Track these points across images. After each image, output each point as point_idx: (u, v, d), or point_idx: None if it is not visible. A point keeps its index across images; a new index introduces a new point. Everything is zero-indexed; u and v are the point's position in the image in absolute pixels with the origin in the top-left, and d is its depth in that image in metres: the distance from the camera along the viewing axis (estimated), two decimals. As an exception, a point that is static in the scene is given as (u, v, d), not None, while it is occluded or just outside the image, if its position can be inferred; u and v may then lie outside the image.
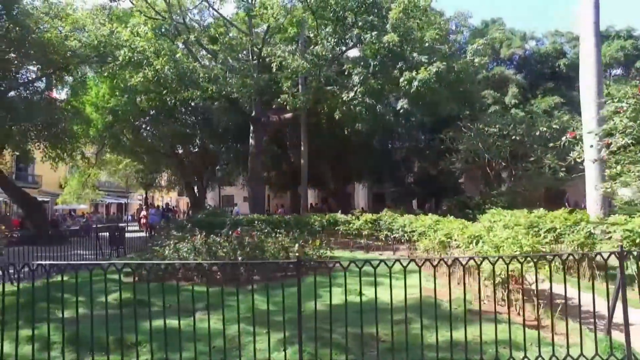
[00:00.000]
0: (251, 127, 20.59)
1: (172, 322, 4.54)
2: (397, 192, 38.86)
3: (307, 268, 6.64)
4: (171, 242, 8.74)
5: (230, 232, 8.74)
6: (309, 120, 20.33)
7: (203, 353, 4.16)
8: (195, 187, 28.85)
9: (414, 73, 11.42)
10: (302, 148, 17.83)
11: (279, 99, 16.10)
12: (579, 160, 11.74)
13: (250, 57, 17.32)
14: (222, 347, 4.21)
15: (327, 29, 14.05)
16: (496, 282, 4.68)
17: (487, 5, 68.22)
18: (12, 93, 17.19)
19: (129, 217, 40.79)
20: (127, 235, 15.22)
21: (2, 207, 30.93)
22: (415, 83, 11.13)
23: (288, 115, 20.83)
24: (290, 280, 6.61)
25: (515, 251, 4.83)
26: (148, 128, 26.54)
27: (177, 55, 12.48)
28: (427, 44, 12.48)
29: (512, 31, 25.82)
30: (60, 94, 20.78)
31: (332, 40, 12.21)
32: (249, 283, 6.51)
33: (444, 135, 18.22)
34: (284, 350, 4.03)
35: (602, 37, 15.18)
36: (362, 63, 12.11)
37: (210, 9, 19.95)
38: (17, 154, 21.12)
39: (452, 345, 4.04)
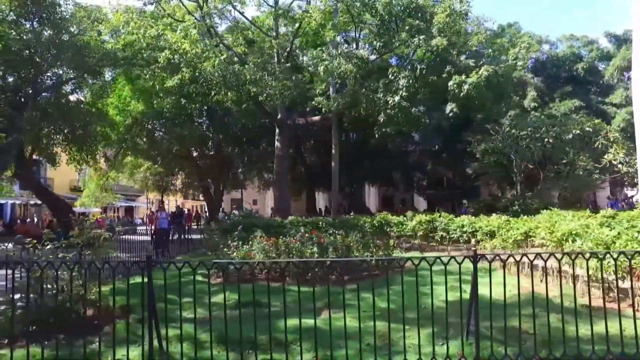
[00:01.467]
0: (276, 130, 20.68)
1: (293, 322, 4.64)
2: (409, 195, 39.24)
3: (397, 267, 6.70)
4: (239, 243, 8.82)
5: (299, 234, 8.81)
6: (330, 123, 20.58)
7: (351, 348, 4.22)
8: (212, 190, 28.84)
9: (463, 77, 11.61)
10: (334, 151, 17.94)
11: (312, 102, 16.20)
12: (614, 162, 11.93)
13: (276, 59, 17.44)
14: (366, 344, 4.33)
15: (364, 32, 14.23)
16: (617, 277, 4.80)
17: (498, 10, 69.03)
18: (42, 95, 17.17)
19: (139, 221, 40.55)
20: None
21: (18, 210, 30.68)
22: (466, 86, 11.32)
23: (316, 118, 20.97)
24: (380, 279, 6.68)
25: (635, 247, 4.98)
26: (162, 131, 26.53)
27: (223, 57, 12.55)
28: (474, 48, 12.67)
29: (527, 35, 26.19)
30: (85, 96, 20.74)
31: (378, 43, 12.37)
32: (339, 283, 6.56)
33: (471, 138, 18.42)
34: (445, 344, 4.10)
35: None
36: (408, 67, 12.29)
37: (235, 12, 20.10)
38: (40, 158, 21.05)
39: (592, 338, 4.15)
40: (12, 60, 13.75)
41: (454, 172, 30.03)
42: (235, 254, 8.96)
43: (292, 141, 27.60)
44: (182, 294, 4.97)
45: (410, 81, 12.04)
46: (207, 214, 30.97)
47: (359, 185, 30.07)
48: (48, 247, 5.81)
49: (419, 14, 12.48)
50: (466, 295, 4.46)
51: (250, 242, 9.59)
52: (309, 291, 5.83)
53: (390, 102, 12.71)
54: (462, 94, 11.49)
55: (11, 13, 10.38)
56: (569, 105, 21.81)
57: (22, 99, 15.61)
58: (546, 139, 15.47)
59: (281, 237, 8.60)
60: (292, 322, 4.66)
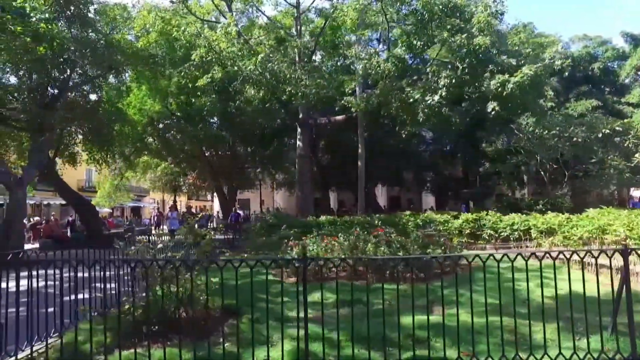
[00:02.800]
0: (298, 130, 20.64)
1: (406, 319, 4.63)
2: (416, 195, 39.27)
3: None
4: (305, 241, 8.79)
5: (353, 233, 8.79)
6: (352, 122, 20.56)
7: (483, 343, 4.20)
8: (225, 190, 28.68)
9: (506, 75, 11.67)
10: (360, 150, 17.94)
11: (341, 101, 16.18)
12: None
13: (298, 59, 17.40)
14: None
15: (396, 31, 14.24)
16: None
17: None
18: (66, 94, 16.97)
19: (146, 221, 40.23)
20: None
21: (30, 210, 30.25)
22: (510, 85, 11.37)
23: (339, 117, 20.96)
24: (448, 276, 6.62)
25: None
26: (175, 130, 26.32)
27: (261, 56, 12.47)
28: (516, 47, 12.73)
29: (542, 35, 26.36)
30: (104, 96, 20.54)
31: (418, 42, 12.38)
32: (417, 280, 6.52)
33: (495, 137, 18.52)
34: (583, 339, 4.10)
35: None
36: (449, 66, 12.31)
37: (257, 11, 20.03)
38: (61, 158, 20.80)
39: None
40: (45, 59, 13.62)
41: (466, 172, 30.13)
42: (295, 252, 8.95)
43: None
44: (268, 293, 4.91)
45: (453, 80, 12.07)
46: (220, 213, 30.81)
47: (372, 185, 30.05)
48: (159, 246, 5.71)
49: (457, 13, 12.52)
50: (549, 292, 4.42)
51: (304, 241, 9.60)
52: (402, 289, 5.80)
53: (429, 102, 12.72)
54: (505, 92, 11.55)
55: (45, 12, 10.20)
56: (586, 105, 21.97)
57: (49, 98, 15.40)
58: (574, 138, 15.56)
59: (340, 235, 8.56)
60: (405, 319, 4.66)
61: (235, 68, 12.72)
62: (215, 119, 26.57)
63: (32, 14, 8.39)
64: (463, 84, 12.46)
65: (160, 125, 24.80)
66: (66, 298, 4.57)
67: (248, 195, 40.83)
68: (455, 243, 9.10)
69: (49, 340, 4.53)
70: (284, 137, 27.59)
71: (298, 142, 20.43)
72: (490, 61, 12.17)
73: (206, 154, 27.76)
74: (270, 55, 12.91)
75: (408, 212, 13.92)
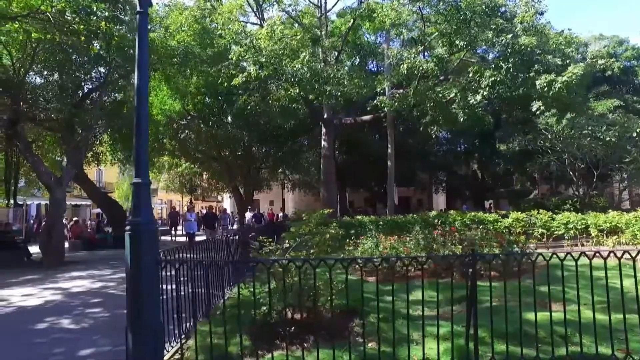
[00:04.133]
0: (323, 130, 20.61)
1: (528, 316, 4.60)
2: (425, 195, 39.31)
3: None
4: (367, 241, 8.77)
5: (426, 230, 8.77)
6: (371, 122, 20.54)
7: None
8: (242, 191, 28.56)
9: (553, 75, 11.70)
10: (389, 150, 17.95)
11: (375, 101, 16.16)
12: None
13: (321, 58, 17.34)
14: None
15: (430, 31, 14.26)
16: None
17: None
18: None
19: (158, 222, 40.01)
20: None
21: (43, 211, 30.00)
22: (558, 85, 11.40)
23: (366, 117, 20.95)
24: (525, 274, 6.56)
25: None
26: (188, 131, 26.18)
27: (305, 55, 12.44)
28: (562, 47, 12.77)
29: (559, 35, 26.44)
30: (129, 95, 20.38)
31: (461, 42, 12.39)
32: (495, 278, 6.49)
33: (521, 137, 18.58)
34: None
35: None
36: (492, 65, 12.33)
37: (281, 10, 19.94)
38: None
39: None
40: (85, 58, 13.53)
41: (482, 172, 30.29)
42: (360, 250, 8.95)
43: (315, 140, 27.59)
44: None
45: (497, 79, 12.08)
46: (235, 214, 30.70)
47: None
48: (285, 245, 5.66)
49: (499, 13, 12.56)
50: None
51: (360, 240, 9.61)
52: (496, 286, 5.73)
53: (471, 101, 12.73)
54: (551, 92, 11.57)
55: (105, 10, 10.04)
56: (607, 104, 22.02)
57: (79, 98, 15.25)
58: (607, 138, 15.62)
59: (405, 233, 8.54)
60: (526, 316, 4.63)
61: (276, 67, 12.66)
62: (229, 118, 26.47)
63: (98, 12, 8.30)
64: (509, 84, 12.45)
65: (175, 125, 24.69)
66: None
67: (257, 196, 40.77)
68: (521, 241, 9.09)
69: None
70: (300, 137, 27.55)
71: (323, 142, 20.41)
72: (536, 61, 12.19)
73: (222, 154, 27.68)
74: (313, 55, 12.86)
75: (453, 212, 13.92)
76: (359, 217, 15.12)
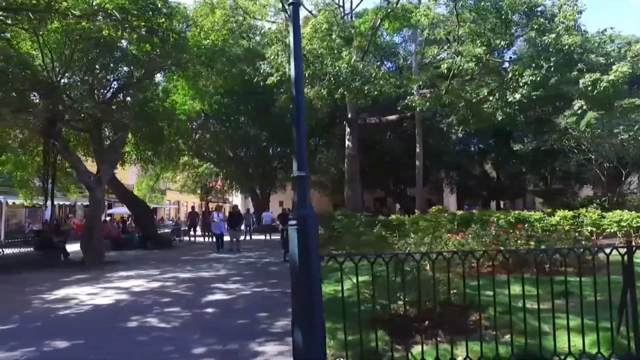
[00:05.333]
0: (347, 129, 20.64)
1: None
2: (435, 195, 39.38)
3: None
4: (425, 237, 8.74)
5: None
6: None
7: None
8: (258, 191, 28.61)
9: (597, 74, 11.76)
10: (417, 150, 17.99)
11: (405, 101, 16.18)
12: None
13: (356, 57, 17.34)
14: None
15: (464, 31, 14.29)
16: None
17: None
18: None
19: (169, 222, 39.87)
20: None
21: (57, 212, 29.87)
22: (604, 84, 11.46)
23: (392, 117, 20.98)
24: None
25: None
26: (200, 131, 26.15)
27: (345, 54, 12.45)
28: (607, 46, 12.84)
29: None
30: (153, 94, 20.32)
31: (502, 42, 12.43)
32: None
33: (547, 137, 18.65)
34: None
35: None
36: (532, 65, 12.38)
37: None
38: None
39: None
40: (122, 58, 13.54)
41: (498, 171, 30.34)
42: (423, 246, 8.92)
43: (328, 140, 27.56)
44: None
45: (538, 79, 12.14)
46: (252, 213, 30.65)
47: (406, 185, 30.15)
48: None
49: (539, 12, 12.61)
50: None
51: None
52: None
53: (509, 99, 12.78)
54: (596, 91, 11.62)
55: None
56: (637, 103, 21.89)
57: (106, 96, 15.17)
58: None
59: (475, 231, 8.54)
60: None
61: (319, 66, 12.67)
62: (243, 118, 26.46)
63: (162, 9, 8.28)
64: (549, 83, 12.50)
65: (193, 126, 24.68)
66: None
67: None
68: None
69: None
70: (315, 137, 27.58)
71: (347, 142, 20.44)
72: (578, 60, 12.25)
73: (239, 154, 27.70)
74: (354, 55, 12.88)
75: (488, 211, 13.95)
76: (393, 216, 15.15)
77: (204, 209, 29.58)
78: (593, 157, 17.79)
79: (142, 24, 8.08)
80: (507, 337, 4.37)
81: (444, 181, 32.42)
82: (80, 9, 7.33)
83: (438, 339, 4.32)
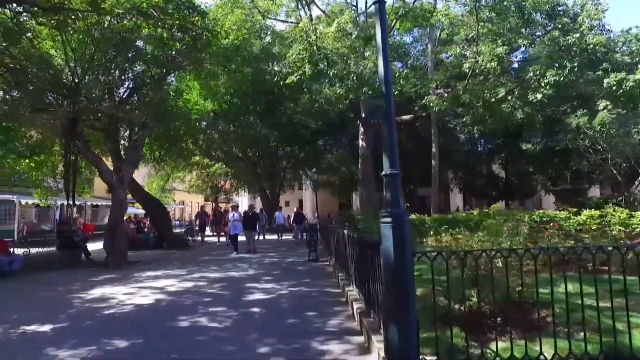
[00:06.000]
0: (360, 130, 20.66)
1: None
2: (443, 194, 39.41)
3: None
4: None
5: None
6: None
7: None
8: (268, 191, 28.57)
9: (623, 73, 11.78)
10: (433, 149, 18.01)
11: (422, 101, 16.19)
12: None
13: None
14: None
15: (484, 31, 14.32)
16: None
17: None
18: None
19: (175, 222, 39.79)
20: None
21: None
22: (629, 83, 11.48)
23: (406, 117, 21.00)
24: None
25: None
26: (209, 131, 26.09)
27: (367, 54, 12.46)
28: (634, 46, 12.87)
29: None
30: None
31: (525, 42, 12.44)
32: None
33: (562, 137, 18.69)
34: None
35: None
36: (555, 64, 12.39)
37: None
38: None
39: None
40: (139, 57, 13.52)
41: (507, 171, 30.41)
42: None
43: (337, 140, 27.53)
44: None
45: (561, 79, 12.16)
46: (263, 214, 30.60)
47: (415, 185, 30.19)
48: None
49: (561, 12, 12.64)
50: None
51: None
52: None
53: (531, 99, 12.81)
54: (621, 91, 11.65)
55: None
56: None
57: (122, 96, 15.11)
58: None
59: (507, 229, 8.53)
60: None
61: (342, 65, 12.66)
62: (252, 118, 26.40)
63: (198, 7, 8.26)
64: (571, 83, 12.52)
65: (203, 126, 24.63)
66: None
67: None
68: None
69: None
70: (324, 137, 27.60)
71: (361, 142, 20.46)
72: (603, 59, 12.28)
73: (248, 154, 27.68)
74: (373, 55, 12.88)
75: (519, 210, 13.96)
76: (413, 216, 15.14)
77: (214, 209, 29.39)
78: (609, 156, 17.84)
79: (177, 22, 8.06)
80: (580, 334, 4.38)
81: (452, 181, 32.46)
82: (123, 7, 7.30)
83: (509, 335, 4.34)
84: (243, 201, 38.34)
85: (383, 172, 3.80)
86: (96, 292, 8.43)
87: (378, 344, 4.27)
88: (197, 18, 8.33)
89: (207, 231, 23.97)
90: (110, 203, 14.83)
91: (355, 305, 5.97)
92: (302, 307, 6.90)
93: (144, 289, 8.69)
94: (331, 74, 12.83)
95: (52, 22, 9.03)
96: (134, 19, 7.57)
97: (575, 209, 11.99)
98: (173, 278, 10.03)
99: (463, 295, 4.21)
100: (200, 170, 27.86)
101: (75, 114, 12.46)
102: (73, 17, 7.31)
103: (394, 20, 17.48)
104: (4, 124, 12.39)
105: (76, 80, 12.73)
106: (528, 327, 4.45)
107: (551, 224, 8.94)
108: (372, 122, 20.48)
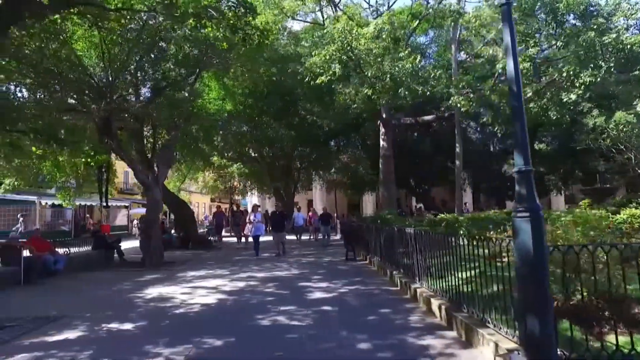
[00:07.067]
0: (381, 130, 20.71)
1: None
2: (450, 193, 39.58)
3: None
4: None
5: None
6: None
7: None
8: (283, 192, 28.54)
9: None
10: (457, 149, 18.07)
11: (449, 102, 16.25)
12: None
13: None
14: None
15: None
16: None
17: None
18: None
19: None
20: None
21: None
22: (669, 82, 11.62)
23: (428, 117, 21.09)
24: None
25: None
26: (221, 132, 26.06)
27: (401, 54, 12.54)
28: None
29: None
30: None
31: (560, 43, 12.54)
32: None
33: (585, 137, 18.83)
34: None
35: None
36: (590, 65, 12.49)
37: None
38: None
39: None
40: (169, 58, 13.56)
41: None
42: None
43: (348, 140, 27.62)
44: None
45: (597, 79, 12.26)
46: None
47: (428, 185, 30.30)
48: None
49: (595, 13, 12.76)
50: None
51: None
52: None
53: (564, 99, 12.92)
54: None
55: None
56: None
57: (158, 95, 15.11)
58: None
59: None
60: None
61: (377, 66, 12.72)
62: (266, 118, 26.36)
63: (253, 5, 8.28)
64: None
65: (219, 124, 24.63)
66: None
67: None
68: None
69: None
70: (338, 137, 27.63)
71: (382, 142, 20.49)
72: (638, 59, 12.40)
73: (263, 155, 27.66)
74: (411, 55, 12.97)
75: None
76: (441, 215, 15.20)
77: (230, 209, 29.20)
78: (632, 155, 17.99)
79: (231, 22, 8.09)
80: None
81: (464, 181, 32.56)
82: (192, 6, 7.33)
83: (619, 330, 4.39)
84: (253, 201, 38.26)
85: (516, 169, 3.84)
86: (152, 292, 8.44)
87: (490, 337, 4.32)
88: (250, 18, 8.36)
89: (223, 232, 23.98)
90: (117, 204, 14.96)
91: (435, 301, 6.02)
92: (371, 304, 6.94)
93: (197, 288, 8.69)
94: (369, 74, 12.87)
95: (91, 22, 9.04)
96: (202, 21, 7.56)
97: (614, 208, 12.05)
98: (220, 278, 10.04)
99: (581, 289, 4.26)
100: (218, 171, 27.85)
101: (109, 113, 12.46)
102: (127, 17, 7.30)
103: (417, 21, 17.58)
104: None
105: (110, 79, 12.74)
106: (631, 322, 4.52)
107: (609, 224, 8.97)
108: (392, 122, 20.54)
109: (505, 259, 4.57)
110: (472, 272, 5.35)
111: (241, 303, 7.32)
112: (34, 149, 12.42)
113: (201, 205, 51.08)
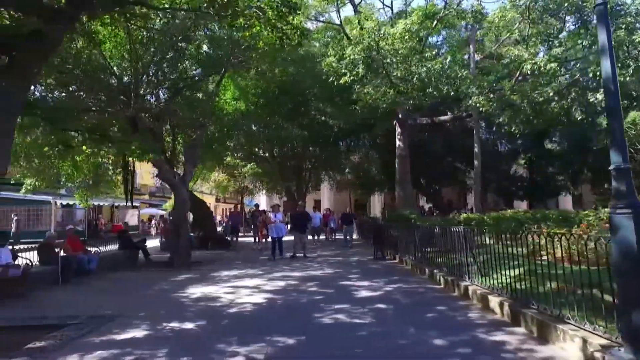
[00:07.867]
0: (397, 130, 20.74)
1: None
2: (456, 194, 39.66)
3: None
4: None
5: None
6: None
7: None
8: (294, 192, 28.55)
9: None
10: (476, 149, 18.15)
11: (469, 102, 16.30)
12: None
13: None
14: None
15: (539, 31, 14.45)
16: None
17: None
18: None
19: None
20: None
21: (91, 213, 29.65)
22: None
23: (445, 117, 21.13)
24: None
25: None
26: (236, 132, 26.04)
27: (427, 54, 12.57)
28: None
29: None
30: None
31: (586, 42, 12.58)
32: None
33: (603, 136, 18.92)
34: None
35: None
36: (619, 64, 12.49)
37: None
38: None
39: None
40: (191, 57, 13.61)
41: (532, 171, 30.57)
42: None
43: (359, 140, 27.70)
44: None
45: (626, 79, 12.30)
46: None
47: (440, 186, 30.34)
48: None
49: (622, 12, 12.80)
50: None
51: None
52: None
53: (590, 100, 12.99)
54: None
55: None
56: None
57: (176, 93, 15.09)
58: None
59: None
60: None
61: (406, 66, 12.76)
62: (277, 118, 26.32)
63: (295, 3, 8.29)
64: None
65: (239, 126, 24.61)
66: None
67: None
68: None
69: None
70: (348, 137, 27.64)
71: (398, 142, 20.52)
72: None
73: (275, 155, 27.67)
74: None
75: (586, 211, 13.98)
76: (464, 215, 15.26)
77: (253, 209, 28.81)
78: (647, 156, 18.08)
79: (273, 21, 8.10)
80: None
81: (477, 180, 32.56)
82: (243, 6, 7.35)
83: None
84: (261, 202, 38.22)
85: (614, 167, 3.87)
86: (195, 292, 8.43)
87: (573, 332, 4.33)
88: (291, 17, 8.37)
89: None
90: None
91: (494, 298, 6.04)
92: (423, 302, 6.98)
93: (239, 288, 8.67)
94: (397, 74, 12.90)
95: (123, 22, 9.05)
96: (251, 20, 7.57)
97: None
98: (257, 278, 10.03)
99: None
100: (231, 171, 27.83)
101: (136, 113, 12.45)
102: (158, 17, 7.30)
103: (435, 22, 17.61)
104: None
105: (136, 79, 12.74)
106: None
107: None
108: (409, 122, 20.57)
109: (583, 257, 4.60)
110: (541, 269, 5.36)
111: (290, 302, 7.32)
112: (84, 147, 12.42)
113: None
